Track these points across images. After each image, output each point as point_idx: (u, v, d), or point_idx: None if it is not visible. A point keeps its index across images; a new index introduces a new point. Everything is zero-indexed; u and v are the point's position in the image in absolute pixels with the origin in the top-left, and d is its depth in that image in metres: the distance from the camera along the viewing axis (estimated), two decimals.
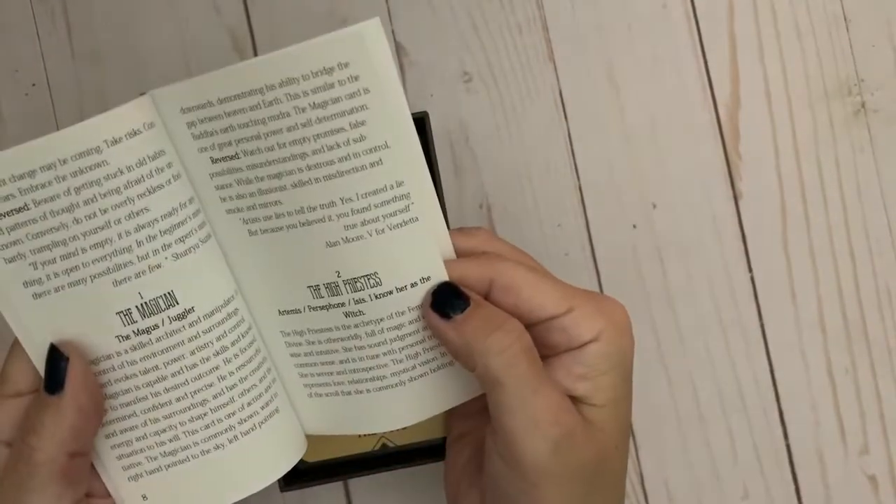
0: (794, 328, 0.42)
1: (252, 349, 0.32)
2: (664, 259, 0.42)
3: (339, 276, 0.31)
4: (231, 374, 0.31)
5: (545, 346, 0.31)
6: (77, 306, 0.30)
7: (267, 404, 0.33)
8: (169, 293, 0.30)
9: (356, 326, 0.32)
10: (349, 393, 0.33)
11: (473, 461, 0.34)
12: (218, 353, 0.31)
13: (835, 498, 0.42)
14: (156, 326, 0.30)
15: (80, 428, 0.29)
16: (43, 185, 0.28)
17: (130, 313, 0.30)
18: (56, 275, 0.29)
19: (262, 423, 0.33)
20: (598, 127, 0.42)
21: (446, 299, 0.30)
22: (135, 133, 0.28)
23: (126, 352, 0.30)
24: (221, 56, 0.42)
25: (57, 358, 0.29)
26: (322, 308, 0.32)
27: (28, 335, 0.30)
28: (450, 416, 0.37)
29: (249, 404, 0.32)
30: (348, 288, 0.31)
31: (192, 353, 0.31)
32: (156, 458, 0.32)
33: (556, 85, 0.43)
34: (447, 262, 0.31)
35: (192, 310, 0.30)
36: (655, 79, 0.43)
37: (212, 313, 0.31)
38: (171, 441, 0.32)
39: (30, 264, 0.29)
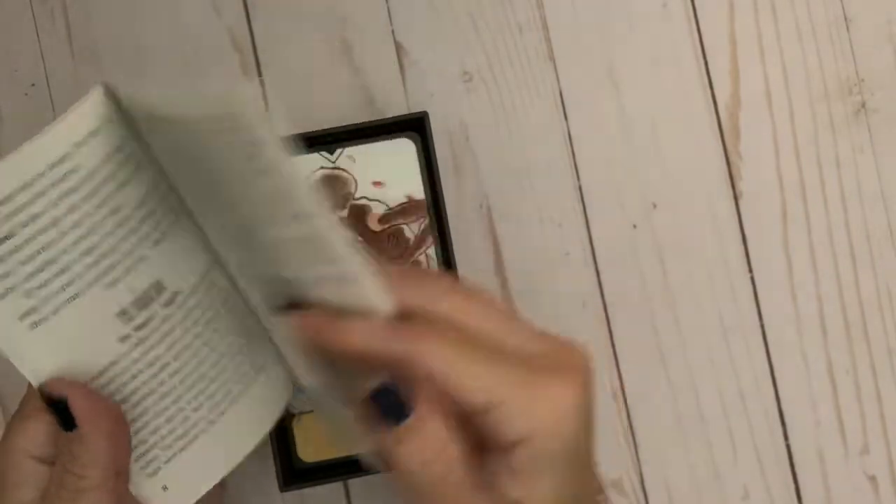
0: (795, 328, 0.42)
1: (236, 311, 0.33)
2: (664, 259, 0.42)
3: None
4: (221, 340, 0.32)
5: (485, 439, 0.27)
6: (76, 322, 0.29)
7: (254, 360, 0.33)
8: (157, 282, 0.30)
9: None
10: None
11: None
12: (207, 324, 0.31)
13: (835, 498, 0.42)
14: (151, 318, 0.30)
15: (114, 448, 0.29)
16: (24, 206, 0.27)
17: (126, 312, 0.30)
18: (51, 296, 0.29)
19: (253, 379, 0.33)
20: (598, 126, 0.42)
21: (389, 408, 0.26)
22: (97, 131, 0.28)
23: (129, 351, 0.30)
24: (221, 56, 0.42)
25: (55, 402, 0.28)
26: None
27: (33, 370, 0.29)
28: None
29: (241, 364, 0.33)
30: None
31: (186, 331, 0.31)
32: (170, 446, 0.32)
33: (557, 85, 0.43)
34: (365, 326, 0.27)
35: (178, 292, 0.31)
36: (656, 78, 0.43)
37: (195, 289, 0.31)
38: (181, 423, 0.32)
39: (23, 294, 0.28)
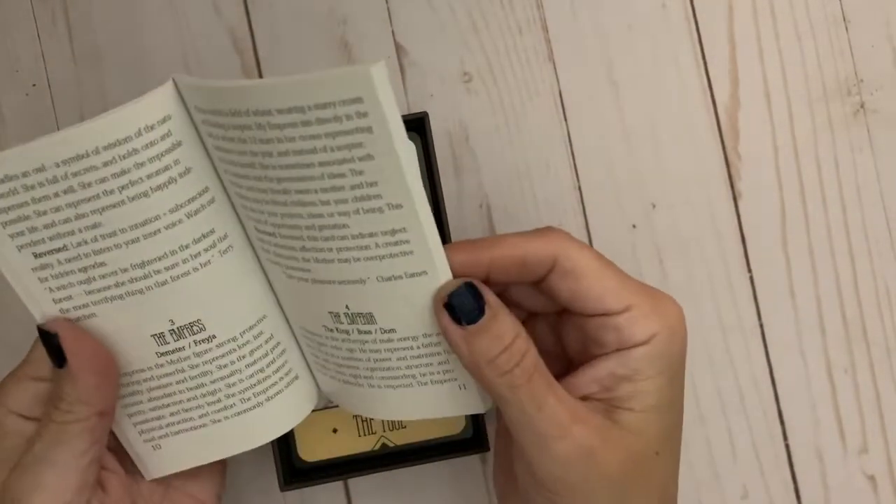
0: (794, 328, 0.42)
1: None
2: (664, 259, 0.42)
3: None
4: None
5: (596, 342, 0.31)
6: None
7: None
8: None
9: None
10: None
11: None
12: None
13: (834, 498, 0.42)
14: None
15: (100, 386, 0.30)
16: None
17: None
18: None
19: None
20: (597, 127, 0.43)
21: (465, 305, 0.29)
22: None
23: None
24: (222, 56, 0.42)
25: (48, 338, 0.30)
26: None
27: (39, 309, 0.30)
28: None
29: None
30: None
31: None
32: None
33: (556, 85, 0.43)
34: (511, 236, 0.30)
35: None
36: (655, 79, 0.43)
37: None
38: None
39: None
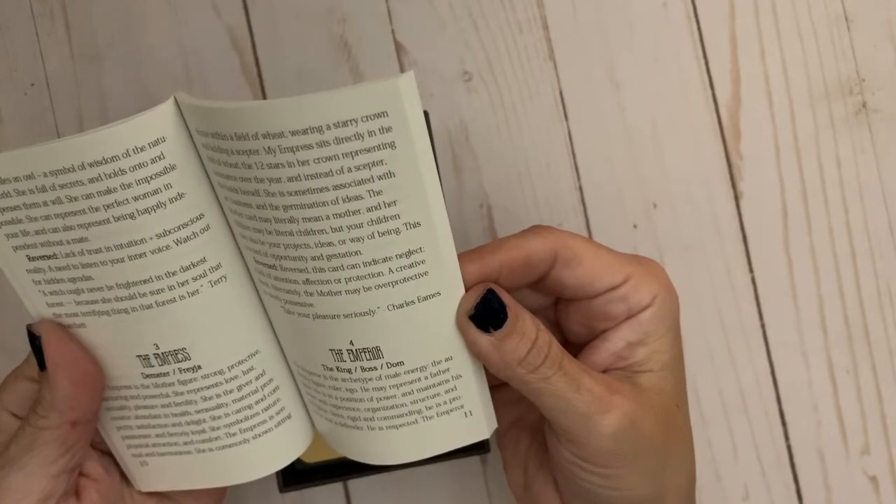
0: (795, 328, 0.42)
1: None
2: (665, 259, 0.42)
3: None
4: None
5: (606, 318, 0.31)
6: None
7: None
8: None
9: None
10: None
11: (536, 443, 0.34)
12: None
13: (836, 499, 0.42)
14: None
15: (76, 396, 0.30)
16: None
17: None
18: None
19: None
20: (598, 126, 0.42)
21: (491, 312, 0.29)
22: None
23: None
24: (221, 56, 0.42)
25: (32, 339, 0.30)
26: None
27: (34, 307, 0.30)
28: (496, 406, 0.37)
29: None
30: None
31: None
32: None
33: (557, 84, 0.43)
34: (509, 238, 0.30)
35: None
36: (656, 78, 0.42)
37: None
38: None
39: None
